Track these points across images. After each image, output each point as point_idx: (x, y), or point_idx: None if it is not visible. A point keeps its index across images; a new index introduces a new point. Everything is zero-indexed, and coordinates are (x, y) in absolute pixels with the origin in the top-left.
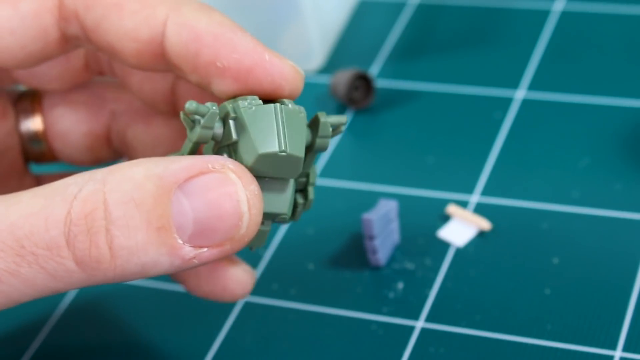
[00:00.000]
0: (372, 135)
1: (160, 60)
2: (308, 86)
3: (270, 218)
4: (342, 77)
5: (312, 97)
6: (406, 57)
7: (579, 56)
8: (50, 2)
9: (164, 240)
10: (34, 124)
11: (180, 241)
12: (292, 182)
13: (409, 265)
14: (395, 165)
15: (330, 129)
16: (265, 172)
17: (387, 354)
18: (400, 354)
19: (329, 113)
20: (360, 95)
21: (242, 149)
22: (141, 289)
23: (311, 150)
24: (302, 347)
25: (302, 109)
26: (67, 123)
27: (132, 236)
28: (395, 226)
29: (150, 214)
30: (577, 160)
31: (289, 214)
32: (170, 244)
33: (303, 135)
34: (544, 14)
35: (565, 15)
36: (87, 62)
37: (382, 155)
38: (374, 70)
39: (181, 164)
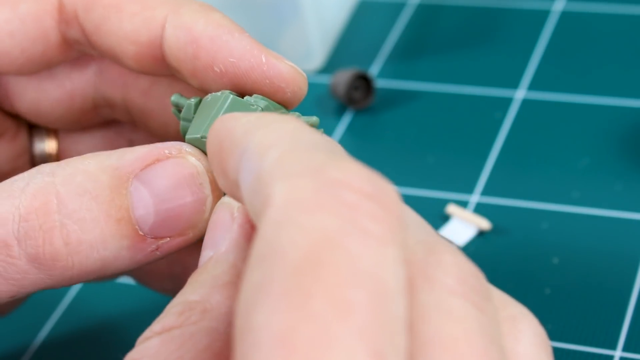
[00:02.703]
0: (372, 135)
1: (160, 64)
2: (308, 86)
3: None
4: (342, 77)
5: (312, 97)
6: (406, 57)
7: (579, 56)
8: (50, 5)
9: (124, 232)
10: (48, 147)
11: (141, 233)
12: None
13: None
14: (395, 165)
15: None
16: None
17: None
18: None
19: (328, 113)
20: (360, 95)
21: None
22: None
23: None
24: None
25: (308, 118)
26: (82, 148)
27: (90, 229)
28: None
29: (108, 205)
30: (577, 160)
31: None
32: (131, 237)
33: None
34: (544, 14)
35: (565, 15)
36: (96, 105)
37: (382, 155)
38: (374, 70)
39: (135, 153)
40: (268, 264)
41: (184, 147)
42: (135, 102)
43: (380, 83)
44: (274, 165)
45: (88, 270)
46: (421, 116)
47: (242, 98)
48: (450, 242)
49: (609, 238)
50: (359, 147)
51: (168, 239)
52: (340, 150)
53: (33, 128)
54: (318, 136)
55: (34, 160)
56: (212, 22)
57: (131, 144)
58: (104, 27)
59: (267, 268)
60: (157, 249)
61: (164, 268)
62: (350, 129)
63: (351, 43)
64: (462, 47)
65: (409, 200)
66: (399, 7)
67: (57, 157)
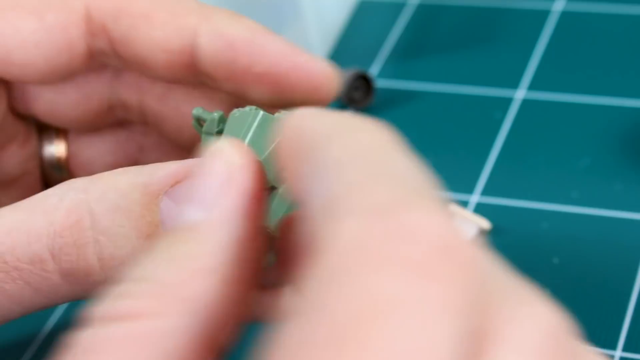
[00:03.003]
0: None
1: (190, 71)
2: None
3: None
4: (342, 77)
5: None
6: (406, 57)
7: (579, 56)
8: (77, 15)
9: None
10: (57, 150)
11: None
12: (280, 195)
13: None
14: None
15: None
16: None
17: None
18: None
19: None
20: (360, 95)
21: None
22: None
23: None
24: None
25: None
26: (92, 153)
27: (122, 245)
28: None
29: (139, 221)
30: (577, 160)
31: (274, 228)
32: None
33: (272, 142)
34: (544, 14)
35: (565, 15)
36: (112, 106)
37: None
38: (374, 70)
39: (165, 170)
40: (314, 322)
41: None
42: (150, 106)
43: (380, 83)
44: (347, 192)
45: None
46: (421, 116)
47: (273, 115)
48: (534, 288)
49: (609, 238)
50: None
51: None
52: (422, 177)
53: (42, 131)
54: (401, 157)
55: (43, 164)
56: (247, 27)
57: (142, 149)
58: (133, 36)
59: (312, 327)
60: None
61: None
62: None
63: (351, 43)
64: (462, 47)
65: None
66: (399, 7)
67: (66, 161)
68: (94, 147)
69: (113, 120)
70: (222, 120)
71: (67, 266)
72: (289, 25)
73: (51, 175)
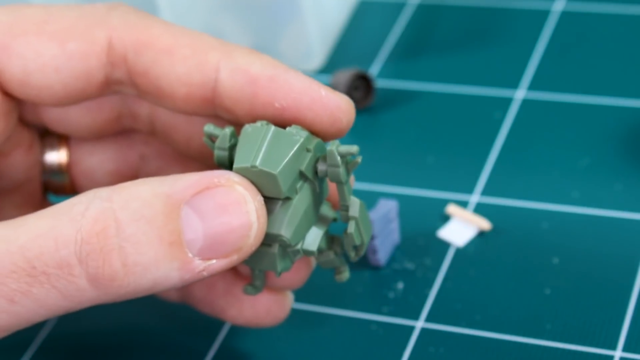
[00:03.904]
0: (372, 135)
1: (208, 104)
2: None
3: (271, 239)
4: (342, 77)
5: None
6: (406, 57)
7: (579, 56)
8: (99, 46)
9: (175, 255)
10: (59, 158)
11: (190, 255)
12: (294, 205)
13: (409, 265)
14: (395, 165)
15: (339, 159)
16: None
17: (387, 354)
18: (400, 354)
19: None
20: (360, 95)
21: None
22: None
23: (320, 178)
24: (302, 347)
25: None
26: (94, 161)
27: (145, 252)
28: (395, 226)
29: (161, 230)
30: (577, 160)
31: (290, 237)
32: (181, 259)
33: (286, 155)
34: (544, 14)
35: (565, 15)
36: (120, 115)
37: (382, 155)
38: (374, 70)
39: (187, 182)
40: None
41: (232, 176)
42: (161, 116)
43: (380, 83)
44: None
45: (140, 288)
46: (421, 116)
47: (284, 129)
48: None
49: (609, 238)
50: (359, 147)
51: (214, 261)
52: None
53: (44, 137)
54: None
55: (44, 170)
56: (267, 63)
57: (143, 158)
58: (154, 70)
59: None
60: (203, 270)
61: None
62: (350, 128)
63: (351, 43)
64: (462, 47)
65: (409, 200)
66: (399, 7)
67: (67, 168)
68: (96, 155)
69: (118, 128)
70: (233, 135)
71: (93, 271)
72: (289, 25)
73: (51, 181)
